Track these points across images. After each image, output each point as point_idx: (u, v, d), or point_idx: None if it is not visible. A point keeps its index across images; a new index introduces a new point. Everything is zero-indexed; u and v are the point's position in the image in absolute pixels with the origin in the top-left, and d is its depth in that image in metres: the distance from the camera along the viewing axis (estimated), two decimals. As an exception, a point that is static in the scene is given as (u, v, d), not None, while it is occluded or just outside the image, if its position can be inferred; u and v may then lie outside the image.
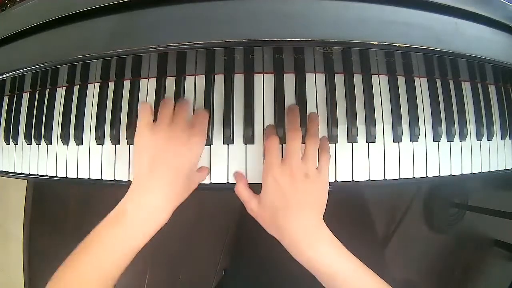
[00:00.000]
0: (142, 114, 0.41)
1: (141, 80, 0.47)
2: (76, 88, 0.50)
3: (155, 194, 0.38)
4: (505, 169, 0.50)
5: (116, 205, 0.38)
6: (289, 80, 0.45)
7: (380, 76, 0.46)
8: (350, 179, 0.44)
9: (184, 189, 0.40)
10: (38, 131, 0.51)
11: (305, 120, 0.43)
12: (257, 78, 0.45)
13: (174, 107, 0.43)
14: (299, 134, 0.39)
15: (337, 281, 0.35)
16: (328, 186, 0.40)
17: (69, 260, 0.34)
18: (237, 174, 0.43)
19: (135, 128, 0.41)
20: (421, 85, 0.47)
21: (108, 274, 0.35)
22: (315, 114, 0.44)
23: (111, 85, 0.48)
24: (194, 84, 0.46)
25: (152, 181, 0.38)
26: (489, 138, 0.49)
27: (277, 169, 0.38)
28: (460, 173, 0.47)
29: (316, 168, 0.39)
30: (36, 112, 0.52)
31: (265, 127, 0.44)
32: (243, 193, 0.41)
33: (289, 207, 0.37)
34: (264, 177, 0.39)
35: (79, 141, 0.48)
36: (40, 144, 0.51)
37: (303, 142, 0.40)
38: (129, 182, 0.46)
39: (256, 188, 0.44)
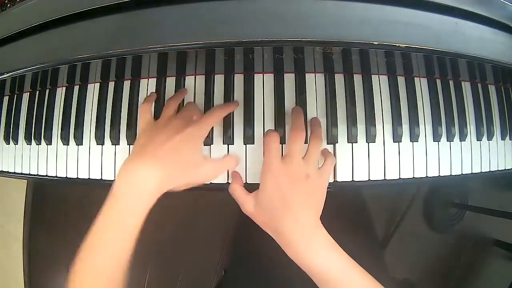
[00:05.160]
0: (141, 113, 0.42)
1: (141, 80, 0.47)
2: (76, 88, 0.50)
3: (141, 175, 0.36)
4: (505, 169, 0.50)
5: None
6: (289, 80, 0.45)
7: (380, 76, 0.46)
8: (350, 179, 0.44)
9: (176, 177, 0.38)
10: (38, 131, 0.51)
11: (305, 122, 0.43)
12: (257, 78, 0.45)
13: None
14: (303, 134, 0.38)
15: (330, 282, 0.35)
16: (327, 187, 0.40)
17: (80, 251, 0.34)
18: (233, 174, 0.43)
19: (135, 128, 0.41)
20: (421, 85, 0.47)
21: (114, 257, 0.34)
22: (317, 118, 0.43)
23: (111, 85, 0.48)
24: (194, 84, 0.46)
25: (140, 164, 0.36)
26: (489, 138, 0.49)
27: (277, 167, 0.37)
28: (460, 173, 0.47)
29: (318, 169, 0.39)
30: (36, 112, 0.52)
31: (265, 128, 0.44)
32: (236, 191, 0.40)
33: (288, 206, 0.36)
34: (263, 175, 0.38)
35: (79, 141, 0.48)
36: (40, 144, 0.51)
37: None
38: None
39: (256, 188, 0.44)
